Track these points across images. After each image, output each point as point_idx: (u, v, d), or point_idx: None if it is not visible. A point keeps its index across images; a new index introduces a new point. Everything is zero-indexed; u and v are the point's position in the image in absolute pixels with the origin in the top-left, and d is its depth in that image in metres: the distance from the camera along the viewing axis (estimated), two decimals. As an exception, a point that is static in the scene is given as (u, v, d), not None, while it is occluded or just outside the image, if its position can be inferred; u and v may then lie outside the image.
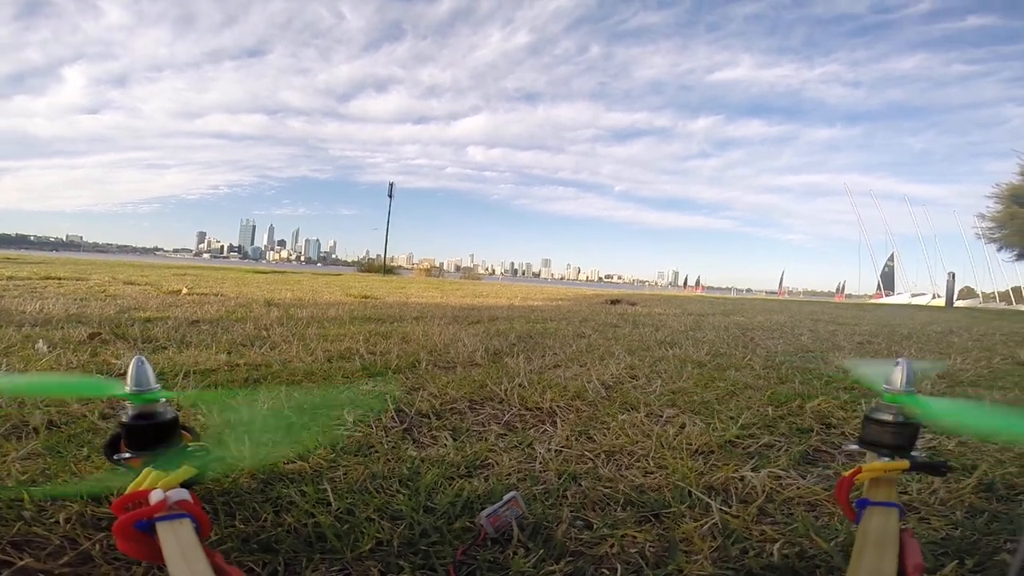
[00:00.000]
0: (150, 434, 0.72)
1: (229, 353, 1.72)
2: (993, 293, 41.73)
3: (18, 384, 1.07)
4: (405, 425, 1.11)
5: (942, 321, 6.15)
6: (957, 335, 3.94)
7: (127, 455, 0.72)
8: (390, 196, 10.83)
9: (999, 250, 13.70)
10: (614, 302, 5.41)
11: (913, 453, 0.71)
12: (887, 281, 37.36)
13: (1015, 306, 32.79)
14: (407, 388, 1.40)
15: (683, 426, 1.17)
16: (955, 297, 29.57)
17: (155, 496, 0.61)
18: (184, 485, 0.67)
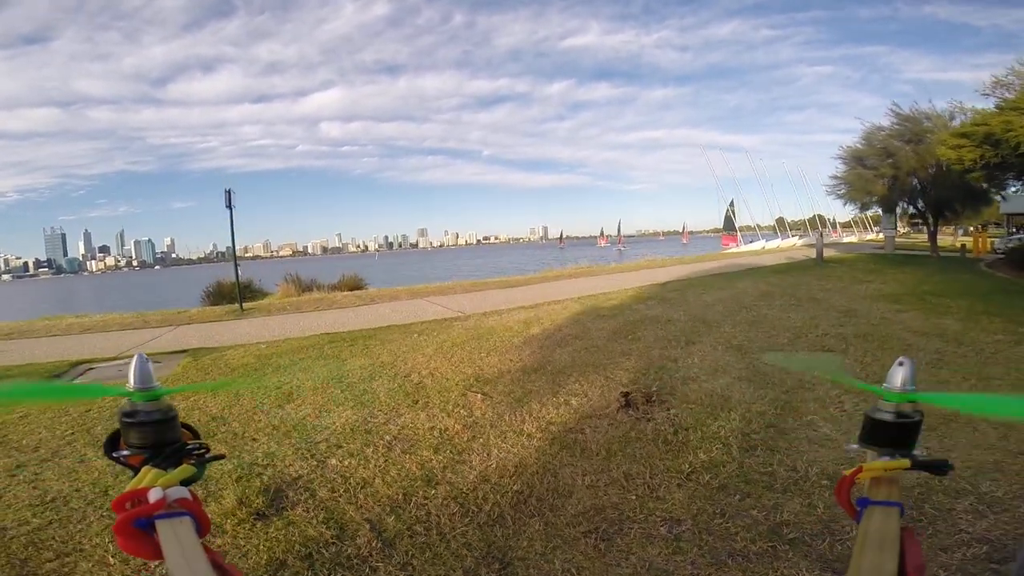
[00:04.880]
0: (150, 432, 0.70)
1: None
2: (802, 221, 48.75)
3: (18, 390, 1.07)
4: None
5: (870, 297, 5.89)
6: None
7: (126, 452, 0.70)
8: (229, 207, 8.04)
9: (844, 204, 15.51)
10: (625, 399, 3.16)
11: (914, 452, 0.71)
12: (728, 224, 41.03)
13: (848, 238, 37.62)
14: None
15: None
16: (790, 234, 34.02)
17: (154, 494, 0.60)
18: (184, 483, 0.66)
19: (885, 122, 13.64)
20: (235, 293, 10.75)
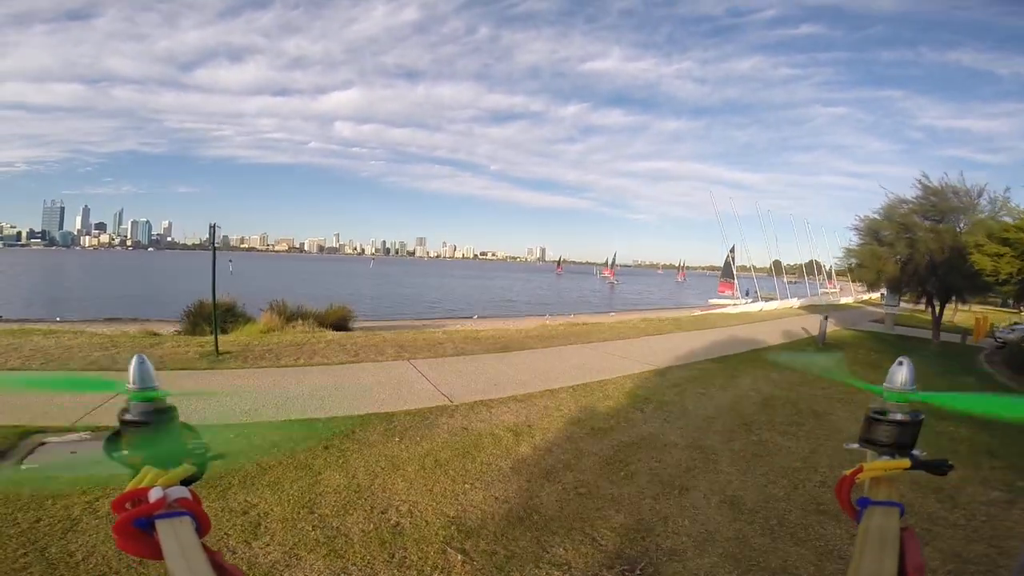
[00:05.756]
0: (150, 431, 0.70)
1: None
2: (799, 265, 48.49)
3: (21, 379, 1.07)
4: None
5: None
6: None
7: (126, 452, 0.69)
8: (212, 246, 7.68)
9: (854, 280, 15.11)
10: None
11: (914, 452, 0.72)
12: (727, 271, 40.66)
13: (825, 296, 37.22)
14: None
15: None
16: (786, 282, 33.69)
17: (154, 494, 0.60)
18: (184, 483, 0.67)
19: (911, 194, 12.96)
20: (217, 316, 10.39)
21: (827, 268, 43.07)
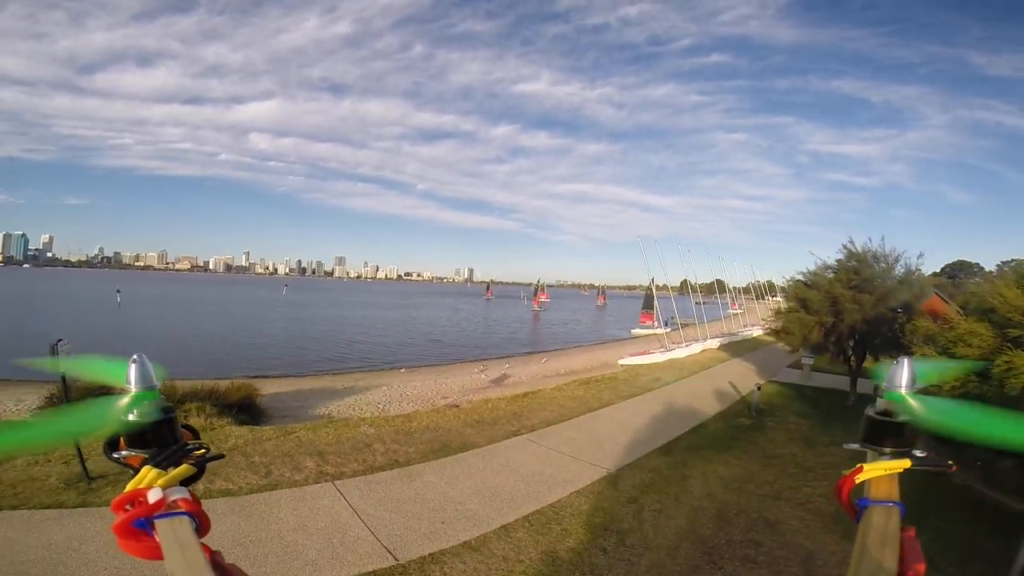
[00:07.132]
0: (149, 432, 0.70)
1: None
2: (706, 284, 52.38)
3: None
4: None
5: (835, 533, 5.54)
6: None
7: (126, 452, 0.70)
8: (54, 355, 6.03)
9: (780, 342, 15.79)
10: None
11: (914, 452, 0.71)
12: (647, 303, 42.03)
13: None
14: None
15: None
16: (704, 307, 35.23)
17: (154, 494, 0.62)
18: (184, 483, 0.69)
19: (835, 258, 13.67)
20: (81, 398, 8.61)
21: (731, 288, 46.62)
